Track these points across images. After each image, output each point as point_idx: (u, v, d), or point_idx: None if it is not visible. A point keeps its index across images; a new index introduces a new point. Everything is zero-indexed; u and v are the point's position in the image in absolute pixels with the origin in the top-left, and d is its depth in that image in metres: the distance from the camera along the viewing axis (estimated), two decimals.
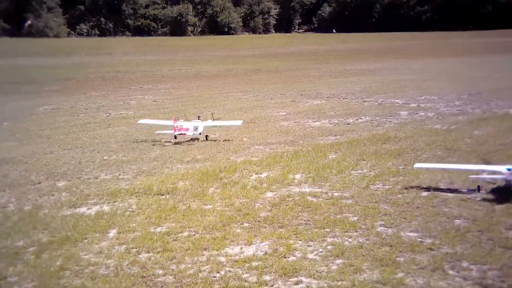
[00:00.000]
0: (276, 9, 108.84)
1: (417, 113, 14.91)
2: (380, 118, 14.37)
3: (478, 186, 7.73)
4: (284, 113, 16.00)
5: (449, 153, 9.89)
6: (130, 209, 7.41)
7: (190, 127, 11.88)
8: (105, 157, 10.74)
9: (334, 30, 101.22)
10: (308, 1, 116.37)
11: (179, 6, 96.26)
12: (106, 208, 7.47)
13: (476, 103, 16.00)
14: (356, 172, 9.06)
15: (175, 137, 11.79)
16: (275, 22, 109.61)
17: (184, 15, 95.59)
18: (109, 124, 14.82)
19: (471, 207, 7.04)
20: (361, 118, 14.56)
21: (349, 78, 26.15)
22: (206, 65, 36.48)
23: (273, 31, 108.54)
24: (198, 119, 12.46)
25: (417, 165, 8.77)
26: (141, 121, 13.71)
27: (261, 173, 9.19)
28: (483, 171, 7.83)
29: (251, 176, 9.08)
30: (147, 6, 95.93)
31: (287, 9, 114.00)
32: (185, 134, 11.75)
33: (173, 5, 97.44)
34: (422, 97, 17.89)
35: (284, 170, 9.28)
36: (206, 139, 12.22)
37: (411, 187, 7.95)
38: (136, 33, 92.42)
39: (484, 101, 16.31)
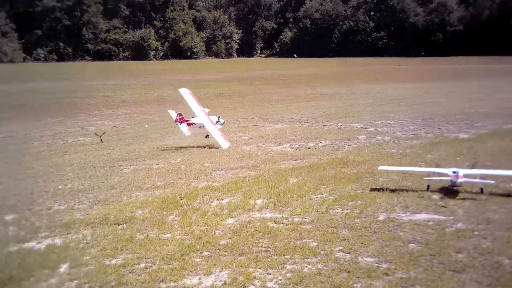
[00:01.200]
0: (238, 33, 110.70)
1: (374, 137, 15.36)
2: (340, 142, 14.70)
3: (428, 185, 9.26)
4: (247, 138, 16.08)
5: (404, 177, 10.21)
6: (84, 241, 7.12)
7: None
8: (60, 187, 10.33)
9: (295, 55, 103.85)
10: (270, 26, 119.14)
11: (141, 31, 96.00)
12: (58, 241, 7.13)
13: (429, 127, 16.68)
14: (316, 196, 9.17)
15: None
16: (238, 47, 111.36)
17: (146, 40, 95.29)
18: (65, 152, 14.31)
19: (424, 230, 7.27)
20: (322, 142, 14.84)
21: (310, 103, 26.70)
22: (168, 89, 36.22)
23: (236, 55, 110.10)
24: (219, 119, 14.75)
25: (381, 167, 10.37)
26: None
27: (223, 199, 9.14)
28: (433, 173, 9.46)
29: (212, 202, 9.00)
30: (108, 31, 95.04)
31: (249, 34, 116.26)
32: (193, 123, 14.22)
33: (135, 29, 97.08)
34: (379, 122, 18.49)
35: (246, 196, 9.26)
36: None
37: (369, 211, 8.13)
38: (97, 57, 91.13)
39: (436, 125, 17.03)
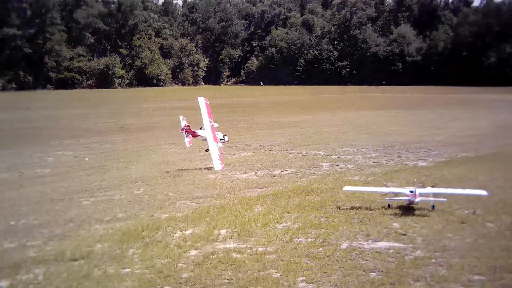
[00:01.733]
0: (205, 61, 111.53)
1: (337, 165, 15.61)
2: (304, 170, 14.84)
3: (389, 204, 10.10)
4: (212, 166, 15.98)
5: (367, 204, 10.39)
6: (36, 281, 6.72)
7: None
8: (12, 223, 9.78)
9: (261, 83, 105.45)
10: (237, 54, 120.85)
11: (106, 58, 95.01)
12: (4, 284, 6.64)
13: (390, 155, 17.13)
14: (281, 225, 9.15)
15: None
16: (204, 74, 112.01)
17: (111, 67, 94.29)
18: (21, 185, 13.67)
19: (385, 259, 7.37)
20: (286, 170, 14.94)
21: (275, 130, 26.97)
22: (133, 117, 35.81)
23: (202, 83, 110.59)
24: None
25: (346, 188, 11.11)
26: None
27: (186, 230, 8.96)
28: (393, 193, 10.42)
29: (175, 233, 8.81)
30: (71, 59, 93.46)
31: (216, 62, 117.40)
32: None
33: (100, 57, 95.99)
34: (342, 149, 18.85)
35: (210, 226, 9.13)
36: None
37: (332, 240, 8.18)
38: (59, 86, 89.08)
39: (396, 153, 17.51)
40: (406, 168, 14.40)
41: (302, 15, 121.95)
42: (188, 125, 15.68)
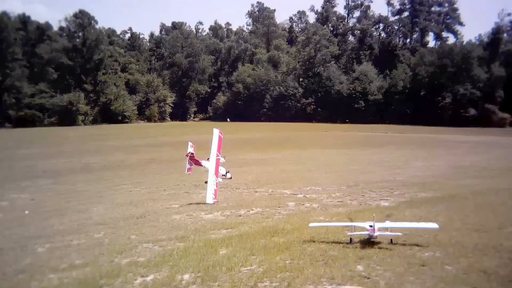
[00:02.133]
0: (172, 97, 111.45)
1: (303, 204, 15.62)
2: (270, 210, 14.77)
3: (350, 239, 10.60)
4: (177, 205, 15.67)
5: (332, 245, 10.36)
6: None
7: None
8: None
9: (228, 119, 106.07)
10: (204, 90, 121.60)
11: (69, 94, 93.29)
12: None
13: (354, 194, 17.30)
14: (246, 268, 8.95)
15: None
16: (171, 110, 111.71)
17: (75, 104, 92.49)
18: None
19: None
20: (252, 210, 14.82)
21: (242, 168, 26.95)
22: (96, 156, 34.97)
23: (169, 119, 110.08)
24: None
25: (311, 224, 11.69)
26: None
27: (148, 276, 8.61)
28: (354, 227, 10.88)
29: (136, 280, 8.43)
30: (33, 95, 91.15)
31: (183, 98, 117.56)
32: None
33: (63, 93, 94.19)
34: (307, 188, 18.95)
35: (173, 271, 8.82)
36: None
37: (296, 284, 8.07)
38: (19, 124, 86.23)
39: (360, 193, 17.71)
40: (369, 208, 14.56)
41: (268, 51, 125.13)
42: (193, 153, 16.33)
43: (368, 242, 10.31)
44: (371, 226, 10.39)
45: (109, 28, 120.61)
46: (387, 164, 28.33)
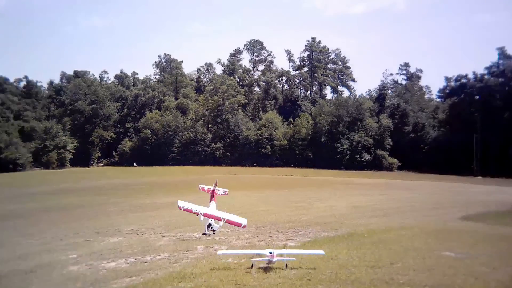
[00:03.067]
0: (73, 143, 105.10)
1: (212, 247, 15.48)
2: (178, 254, 14.38)
3: (252, 265, 12.11)
4: (75, 256, 14.49)
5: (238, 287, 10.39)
6: None
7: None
8: None
9: (135, 164, 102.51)
10: (109, 136, 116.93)
11: None
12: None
13: (262, 235, 17.65)
14: None
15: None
16: (72, 156, 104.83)
17: None
18: None
19: None
20: (159, 255, 14.29)
21: (149, 213, 26.06)
22: None
23: (70, 165, 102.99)
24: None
25: (219, 252, 13.37)
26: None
27: None
28: (257, 254, 12.57)
29: None
30: None
31: (86, 144, 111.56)
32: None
33: None
34: (218, 230, 18.82)
35: None
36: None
37: None
38: None
39: (267, 233, 18.12)
40: (276, 248, 14.89)
41: (176, 98, 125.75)
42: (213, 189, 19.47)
43: (267, 268, 11.93)
44: (270, 252, 12.01)
45: (1, 76, 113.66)
46: (293, 205, 29.41)
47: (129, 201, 33.20)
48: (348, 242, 15.79)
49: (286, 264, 12.05)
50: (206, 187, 21.46)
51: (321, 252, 12.79)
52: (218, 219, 16.49)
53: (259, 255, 12.29)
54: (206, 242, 16.47)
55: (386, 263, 12.75)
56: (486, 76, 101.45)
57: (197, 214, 16.81)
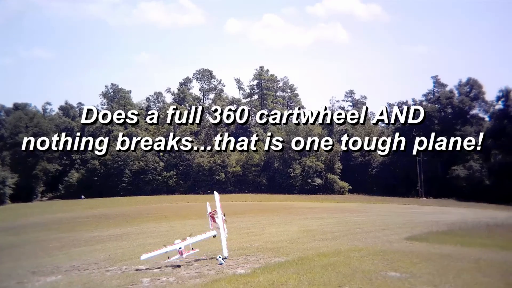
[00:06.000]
0: (14, 178, 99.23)
1: (159, 279, 14.84)
2: None
3: (168, 256, 15.97)
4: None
5: None
6: None
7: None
8: None
9: (82, 196, 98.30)
10: (54, 169, 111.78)
11: None
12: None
13: (212, 264, 17.10)
14: None
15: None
16: (12, 192, 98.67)
17: None
18: None
19: None
20: None
21: (94, 246, 24.77)
22: None
23: (9, 201, 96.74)
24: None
25: (142, 257, 16.11)
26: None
27: None
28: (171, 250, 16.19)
29: None
30: None
31: (28, 178, 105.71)
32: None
33: None
34: (164, 261, 18.15)
35: None
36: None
37: None
38: None
39: (217, 262, 17.71)
40: (226, 277, 14.55)
41: (125, 128, 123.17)
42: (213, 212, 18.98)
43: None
44: (180, 248, 14.77)
45: None
46: (245, 231, 29.09)
47: (74, 235, 31.48)
48: (298, 267, 15.72)
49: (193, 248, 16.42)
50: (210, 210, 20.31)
51: (214, 233, 16.95)
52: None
53: (174, 252, 15.63)
54: (152, 274, 15.79)
55: (335, 286, 12.79)
56: (424, 103, 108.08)
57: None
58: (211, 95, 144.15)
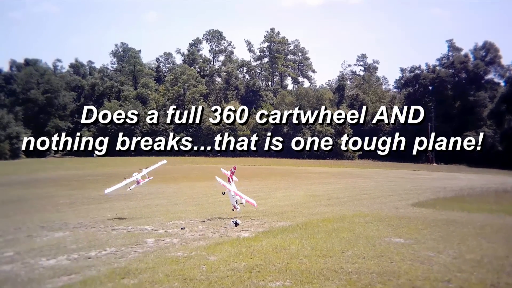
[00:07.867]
0: (27, 133, 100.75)
1: (163, 240, 14.95)
2: (126, 248, 13.77)
3: (130, 188, 18.75)
4: (12, 253, 13.54)
5: (185, 283, 9.98)
6: None
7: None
8: None
9: (94, 154, 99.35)
10: (66, 126, 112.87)
11: None
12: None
13: (216, 227, 17.22)
14: None
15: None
16: (26, 147, 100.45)
17: None
18: None
19: None
20: (105, 250, 13.63)
21: (102, 205, 25.14)
22: None
23: (24, 156, 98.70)
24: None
25: (106, 190, 18.56)
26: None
27: None
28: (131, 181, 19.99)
29: None
30: None
31: (41, 134, 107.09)
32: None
33: None
34: (170, 223, 18.31)
35: None
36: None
37: None
38: None
39: (222, 224, 17.67)
40: (229, 240, 14.57)
41: (136, 88, 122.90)
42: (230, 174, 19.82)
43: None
44: (137, 178, 18.50)
45: None
46: (252, 195, 28.81)
47: (83, 193, 32.00)
48: (302, 232, 15.69)
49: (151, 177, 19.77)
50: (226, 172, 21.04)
51: (164, 161, 19.64)
52: (241, 197, 18.46)
53: (132, 182, 18.78)
54: (158, 235, 15.92)
55: (337, 251, 12.72)
56: (437, 67, 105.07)
57: (229, 190, 18.53)
58: (221, 57, 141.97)
